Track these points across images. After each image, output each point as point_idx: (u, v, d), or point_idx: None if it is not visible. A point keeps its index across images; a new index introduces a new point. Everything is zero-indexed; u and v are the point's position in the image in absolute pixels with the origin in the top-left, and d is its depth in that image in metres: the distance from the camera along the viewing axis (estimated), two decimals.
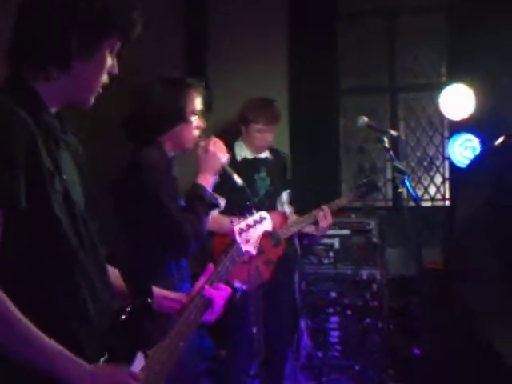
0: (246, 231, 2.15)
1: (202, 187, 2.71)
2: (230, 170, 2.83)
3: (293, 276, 4.76)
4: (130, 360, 1.74)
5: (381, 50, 5.90)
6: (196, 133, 2.84)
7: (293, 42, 5.77)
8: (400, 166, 3.34)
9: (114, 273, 1.92)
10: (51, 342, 1.53)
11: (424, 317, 3.46)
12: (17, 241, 1.57)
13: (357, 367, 4.91)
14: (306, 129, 5.66)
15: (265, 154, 4.39)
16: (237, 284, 3.67)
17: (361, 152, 5.99)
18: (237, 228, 2.13)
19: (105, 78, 1.75)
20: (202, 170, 2.75)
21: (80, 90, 1.73)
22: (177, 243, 2.64)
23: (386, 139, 3.49)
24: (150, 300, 1.84)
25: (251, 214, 2.22)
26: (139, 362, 1.76)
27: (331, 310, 5.02)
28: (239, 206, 2.21)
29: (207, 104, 2.96)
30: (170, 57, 5.68)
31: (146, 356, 1.78)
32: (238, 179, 2.78)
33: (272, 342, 4.34)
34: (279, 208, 4.48)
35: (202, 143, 2.79)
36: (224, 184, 2.95)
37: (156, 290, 1.99)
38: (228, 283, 2.09)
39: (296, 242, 4.84)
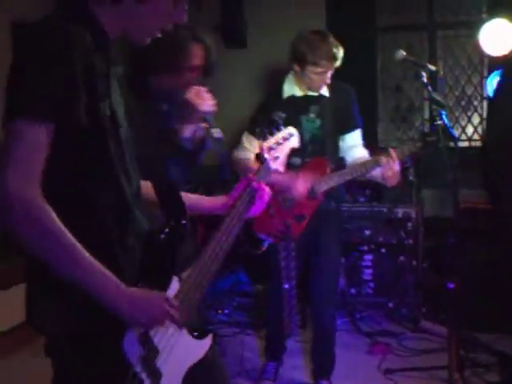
0: (274, 149, 2.09)
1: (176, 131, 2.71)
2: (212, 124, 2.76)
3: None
4: (165, 284, 1.75)
5: None
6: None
7: None
8: (438, 97, 3.25)
9: (146, 185, 1.93)
10: (94, 261, 1.55)
11: (459, 253, 3.43)
12: (66, 158, 1.58)
13: (390, 304, 4.95)
14: (342, 67, 5.58)
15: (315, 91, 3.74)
16: (263, 236, 3.60)
17: (398, 91, 5.91)
18: (265, 145, 2.07)
19: (165, 23, 1.74)
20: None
21: (134, 28, 1.73)
22: None
23: (424, 74, 3.40)
24: (184, 221, 1.82)
25: (279, 130, 2.12)
26: (174, 286, 1.77)
27: (365, 248, 5.03)
28: (268, 122, 2.11)
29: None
30: None
31: (179, 280, 1.79)
32: (216, 133, 2.74)
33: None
34: (346, 154, 3.81)
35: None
36: None
37: (194, 197, 2.01)
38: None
39: None
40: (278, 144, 2.11)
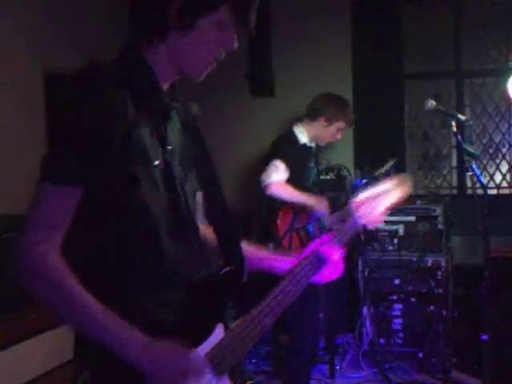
0: (363, 204, 2.01)
1: None
2: None
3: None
4: (208, 330, 1.69)
5: (446, 33, 5.78)
6: None
7: (356, 26, 5.73)
8: (471, 149, 3.25)
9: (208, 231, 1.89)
10: (106, 313, 1.52)
11: (491, 303, 3.38)
12: (95, 220, 1.59)
13: (420, 355, 4.85)
14: (370, 114, 5.62)
15: (314, 143, 4.43)
16: None
17: (425, 138, 5.92)
18: (354, 201, 2.01)
19: (217, 52, 1.72)
20: None
21: (185, 62, 1.71)
22: None
23: (453, 123, 3.41)
24: (237, 269, 1.77)
25: (372, 186, 2.05)
26: (217, 333, 1.71)
27: (395, 297, 4.98)
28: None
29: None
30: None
31: (226, 327, 1.73)
32: None
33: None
34: None
35: None
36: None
37: (263, 253, 1.97)
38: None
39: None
40: (369, 199, 2.02)
